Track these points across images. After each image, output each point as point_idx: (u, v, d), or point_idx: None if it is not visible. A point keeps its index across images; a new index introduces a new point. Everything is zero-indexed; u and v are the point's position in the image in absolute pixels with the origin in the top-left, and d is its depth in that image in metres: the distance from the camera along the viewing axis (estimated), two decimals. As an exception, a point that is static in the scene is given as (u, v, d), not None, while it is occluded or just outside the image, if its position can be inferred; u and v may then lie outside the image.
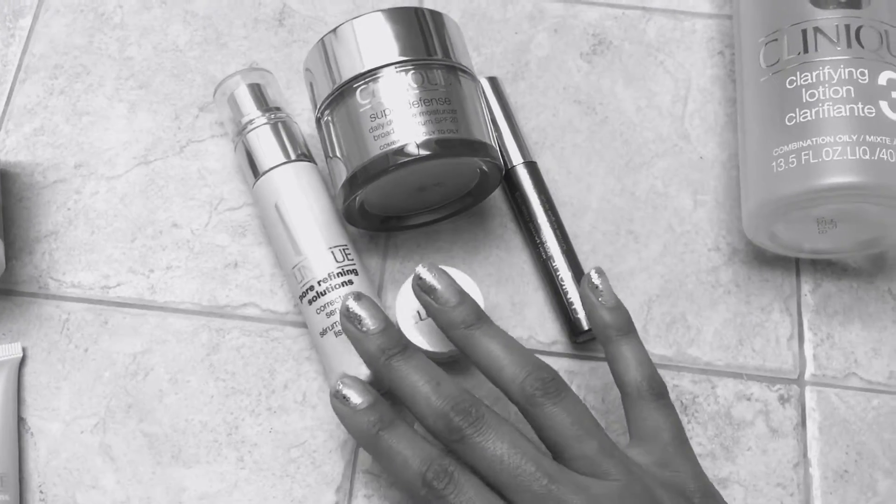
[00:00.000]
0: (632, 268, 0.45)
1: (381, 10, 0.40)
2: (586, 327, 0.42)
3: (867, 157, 0.38)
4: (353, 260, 0.41)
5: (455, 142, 0.39)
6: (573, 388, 0.42)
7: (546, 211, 0.44)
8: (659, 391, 0.36)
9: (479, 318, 0.36)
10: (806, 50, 0.41)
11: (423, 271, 0.37)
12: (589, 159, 0.47)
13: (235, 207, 0.46)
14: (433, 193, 0.43)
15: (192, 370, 0.42)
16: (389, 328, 0.36)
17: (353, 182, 0.39)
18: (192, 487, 0.40)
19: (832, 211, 0.40)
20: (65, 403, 0.42)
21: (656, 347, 0.43)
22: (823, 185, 0.38)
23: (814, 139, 0.39)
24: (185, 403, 0.42)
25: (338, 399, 0.35)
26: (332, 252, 0.41)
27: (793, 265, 0.45)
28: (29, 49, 0.49)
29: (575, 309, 0.42)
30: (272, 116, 0.43)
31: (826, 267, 0.45)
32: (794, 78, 0.40)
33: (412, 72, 0.39)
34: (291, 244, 0.41)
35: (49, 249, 0.45)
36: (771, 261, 0.45)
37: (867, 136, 0.38)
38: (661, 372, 0.43)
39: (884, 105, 0.39)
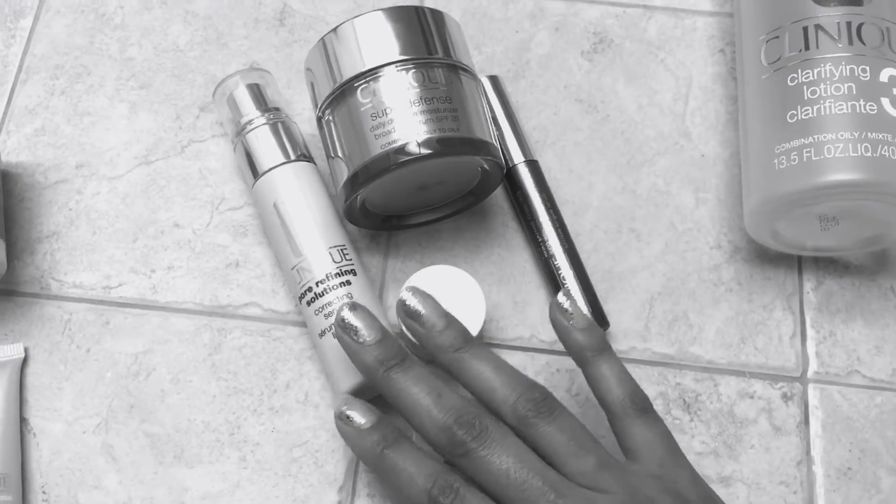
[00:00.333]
0: (634, 266, 0.45)
1: (382, 9, 0.40)
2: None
3: (869, 153, 0.38)
4: (350, 260, 0.41)
5: (456, 140, 0.39)
6: (574, 387, 0.42)
7: (547, 209, 0.44)
8: (643, 406, 0.35)
9: (467, 340, 0.36)
10: (807, 47, 0.40)
11: (407, 297, 0.36)
12: (590, 158, 0.47)
13: (237, 207, 0.46)
14: (434, 192, 0.43)
15: (194, 370, 0.42)
16: (387, 339, 0.35)
17: (355, 181, 0.39)
18: (194, 487, 0.40)
19: (834, 208, 0.40)
20: (67, 404, 0.42)
21: (658, 346, 0.43)
22: (825, 182, 0.38)
23: (815, 136, 0.39)
24: (188, 403, 0.42)
25: (342, 420, 0.35)
26: (331, 253, 0.41)
27: (795, 263, 0.45)
28: (30, 50, 0.49)
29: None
30: (271, 117, 0.43)
31: (828, 264, 0.45)
32: (795, 75, 0.40)
33: (413, 71, 0.39)
34: (290, 245, 0.41)
35: (51, 250, 0.45)
36: (773, 258, 0.45)
37: (869, 133, 0.38)
38: (664, 370, 0.43)
39: (885, 102, 0.39)
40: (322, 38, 0.41)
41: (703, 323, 0.44)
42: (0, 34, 0.50)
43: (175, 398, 0.42)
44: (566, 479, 0.33)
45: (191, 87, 0.48)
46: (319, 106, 0.41)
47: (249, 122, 0.43)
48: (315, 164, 0.43)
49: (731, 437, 0.42)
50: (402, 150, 0.38)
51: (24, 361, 0.43)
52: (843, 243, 0.43)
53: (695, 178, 0.47)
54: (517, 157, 0.45)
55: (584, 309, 0.42)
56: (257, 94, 0.44)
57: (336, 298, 0.40)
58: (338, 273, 0.40)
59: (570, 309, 0.37)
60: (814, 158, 0.39)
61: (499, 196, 0.46)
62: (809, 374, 0.43)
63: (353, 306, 0.36)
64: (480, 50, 0.50)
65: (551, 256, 0.43)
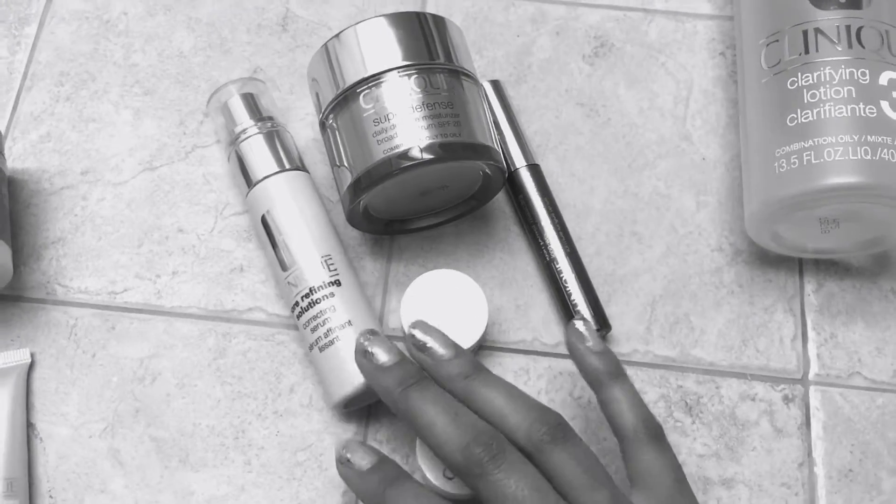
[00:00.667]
0: (635, 269, 0.45)
1: (384, 15, 0.40)
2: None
3: (869, 157, 0.38)
4: (335, 271, 0.41)
5: (458, 145, 0.39)
6: (577, 390, 0.43)
7: (549, 213, 0.44)
8: (655, 433, 0.35)
9: (477, 368, 0.36)
10: (807, 51, 0.41)
11: (415, 331, 0.36)
12: (592, 161, 0.47)
13: (241, 212, 0.46)
14: (437, 197, 0.43)
15: (198, 374, 0.43)
16: (404, 361, 0.35)
17: (358, 186, 0.40)
18: (199, 491, 0.41)
19: (835, 211, 0.40)
20: (73, 408, 0.42)
21: (660, 348, 0.43)
22: (825, 185, 0.38)
23: (815, 140, 0.39)
24: (193, 407, 0.42)
25: (343, 465, 0.35)
26: (316, 265, 0.41)
27: (796, 265, 0.45)
28: (35, 56, 0.50)
29: (579, 311, 0.42)
30: (265, 126, 0.44)
31: (829, 267, 0.45)
32: (795, 79, 0.41)
33: (415, 76, 0.39)
34: (277, 258, 0.41)
35: (56, 255, 0.45)
36: (774, 261, 0.45)
37: (868, 137, 0.38)
38: (665, 373, 0.43)
39: (885, 105, 0.39)
40: (325, 43, 0.41)
41: (705, 325, 0.44)
42: (5, 41, 0.50)
43: (180, 402, 0.42)
44: None
45: (195, 92, 0.49)
46: (322, 111, 0.41)
47: (243, 131, 0.44)
48: (308, 174, 0.44)
49: (733, 440, 0.42)
50: (404, 155, 0.38)
51: (31, 366, 0.43)
52: (844, 245, 0.43)
53: (696, 182, 0.47)
54: (519, 161, 0.45)
55: (589, 315, 0.42)
56: (251, 103, 0.44)
57: (320, 312, 0.40)
58: (321, 286, 0.40)
59: (585, 333, 0.37)
60: (814, 162, 0.39)
61: (501, 200, 0.47)
62: (811, 376, 0.43)
63: (370, 333, 0.36)
64: (482, 54, 0.50)
65: (553, 260, 0.43)
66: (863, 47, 0.40)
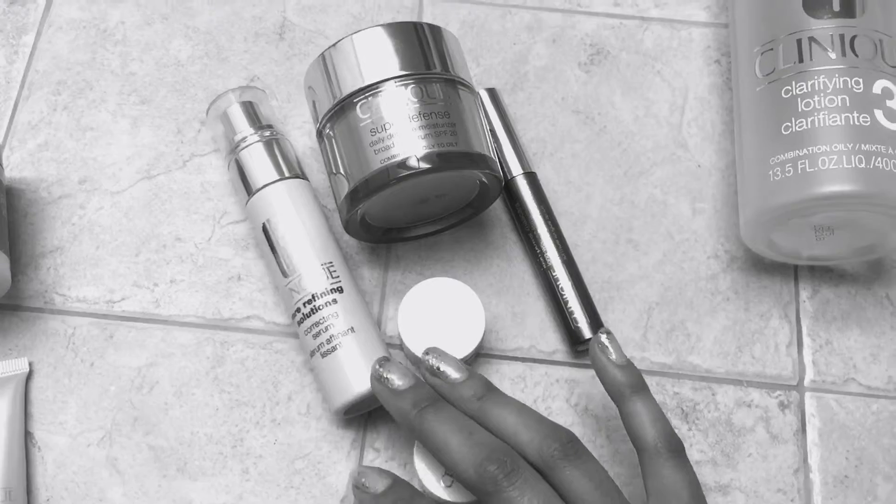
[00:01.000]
0: (631, 276, 0.45)
1: (381, 25, 0.40)
2: (587, 336, 0.42)
3: (862, 165, 0.38)
4: (338, 278, 0.41)
5: (455, 155, 0.39)
6: (573, 397, 0.43)
7: (546, 221, 0.44)
8: (676, 448, 0.36)
9: (489, 388, 0.36)
10: (801, 59, 0.41)
11: (427, 357, 0.37)
12: (588, 169, 0.48)
13: (238, 221, 0.46)
14: (434, 205, 0.43)
15: (196, 383, 0.43)
16: (419, 385, 0.36)
17: (355, 196, 0.40)
18: (197, 500, 0.41)
19: (829, 218, 0.41)
20: (71, 417, 0.42)
21: (656, 355, 0.44)
22: (819, 193, 0.39)
23: (809, 148, 0.39)
24: (191, 416, 0.42)
25: (360, 489, 0.35)
26: (318, 272, 0.41)
27: (791, 272, 0.45)
28: (32, 65, 0.50)
29: (575, 318, 0.42)
30: (265, 134, 0.44)
31: (824, 273, 0.45)
32: (789, 87, 0.41)
33: (412, 86, 0.39)
34: (278, 265, 0.41)
35: (54, 265, 0.45)
36: (769, 268, 0.45)
37: (862, 145, 0.39)
38: (662, 380, 0.43)
39: (879, 114, 0.39)
40: (322, 53, 0.41)
41: (701, 332, 0.44)
42: (3, 50, 0.50)
43: (178, 411, 0.42)
44: None
45: (192, 101, 0.49)
46: (319, 121, 0.41)
47: (243, 139, 0.44)
48: (308, 182, 0.44)
49: (729, 446, 0.42)
50: (401, 164, 0.39)
51: (29, 376, 0.43)
52: (839, 252, 0.43)
53: (691, 189, 0.47)
54: (515, 169, 0.45)
55: (585, 322, 0.42)
56: (251, 111, 0.44)
57: (322, 318, 0.40)
58: (324, 292, 0.40)
59: (609, 346, 0.38)
60: (808, 170, 0.39)
61: (497, 208, 0.47)
62: (806, 382, 0.43)
63: (385, 359, 0.37)
64: (479, 62, 0.50)
65: (550, 267, 0.44)
66: (857, 56, 0.40)
